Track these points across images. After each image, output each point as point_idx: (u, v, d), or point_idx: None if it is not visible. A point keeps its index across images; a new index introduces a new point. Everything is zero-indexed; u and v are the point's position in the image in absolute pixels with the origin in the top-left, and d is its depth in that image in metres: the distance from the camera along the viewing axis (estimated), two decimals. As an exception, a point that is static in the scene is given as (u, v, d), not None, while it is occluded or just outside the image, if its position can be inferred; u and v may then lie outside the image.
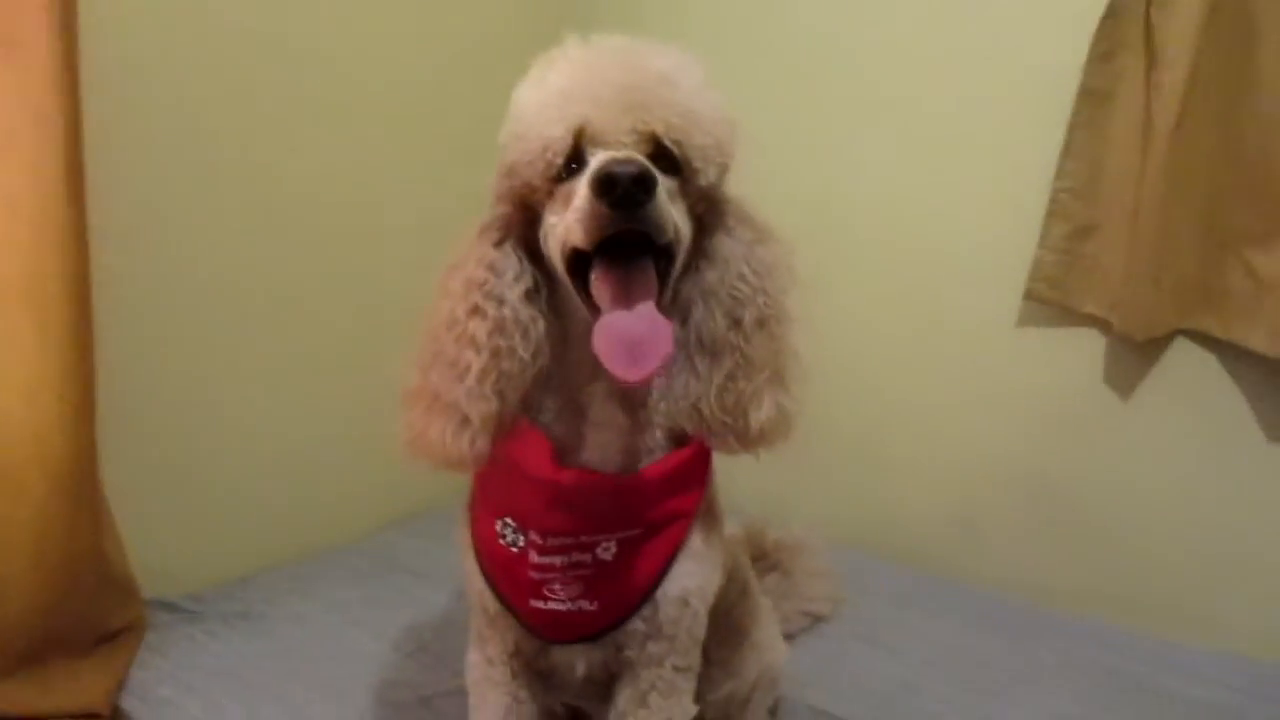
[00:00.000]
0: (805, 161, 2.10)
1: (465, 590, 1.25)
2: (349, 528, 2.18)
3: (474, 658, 1.28)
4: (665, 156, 0.97)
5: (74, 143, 1.42)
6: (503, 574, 1.14)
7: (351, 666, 1.66)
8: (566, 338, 1.09)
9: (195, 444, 1.89)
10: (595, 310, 0.96)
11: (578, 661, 1.18)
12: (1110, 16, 1.70)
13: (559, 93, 0.97)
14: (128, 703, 1.56)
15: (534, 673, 1.26)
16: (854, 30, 2.07)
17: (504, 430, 1.07)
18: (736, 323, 1.06)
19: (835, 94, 2.10)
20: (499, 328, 1.04)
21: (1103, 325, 1.84)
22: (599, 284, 0.96)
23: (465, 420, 1.04)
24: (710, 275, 1.07)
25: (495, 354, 1.04)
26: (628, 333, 0.93)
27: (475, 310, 1.05)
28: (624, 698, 1.19)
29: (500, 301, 1.05)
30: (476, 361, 1.04)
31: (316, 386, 2.10)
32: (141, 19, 1.69)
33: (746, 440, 1.08)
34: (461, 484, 2.37)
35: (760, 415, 1.06)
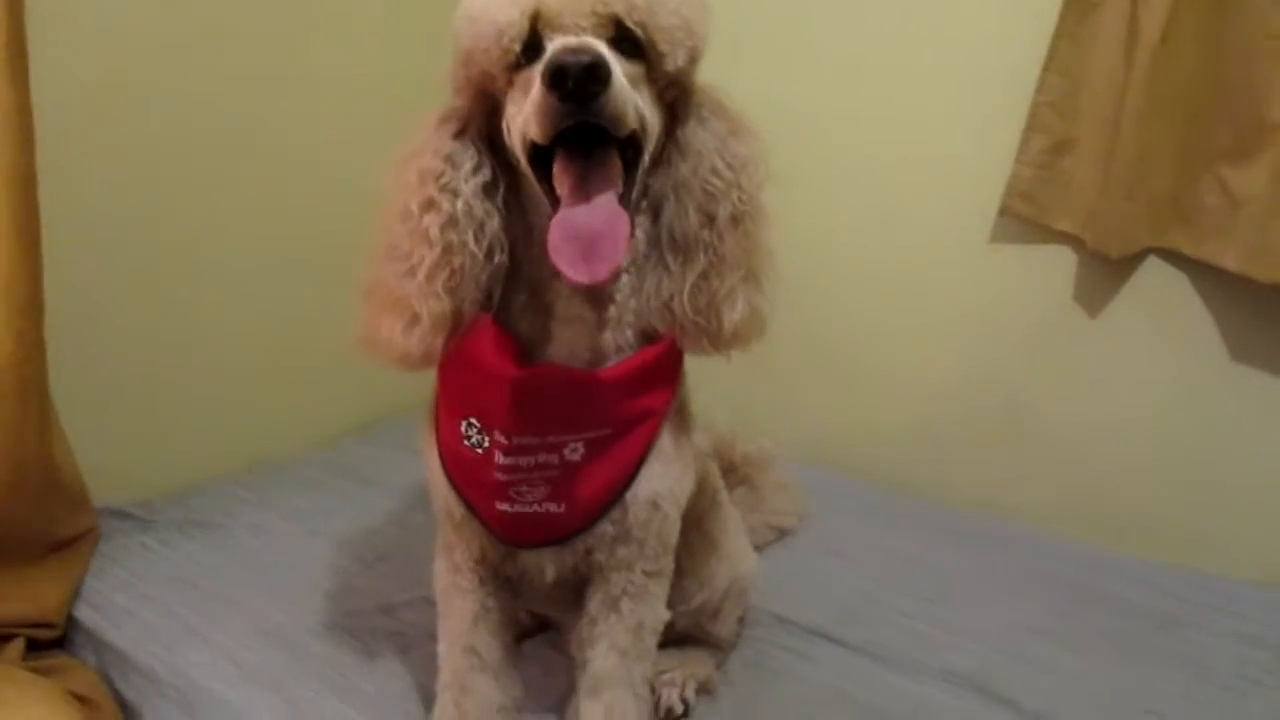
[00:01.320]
0: (775, 66, 2.04)
1: (428, 497, 1.23)
2: (302, 436, 2.15)
3: (440, 565, 1.26)
4: (628, 39, 0.93)
5: (16, 26, 1.34)
6: (467, 477, 1.11)
7: (311, 575, 1.65)
8: (530, 232, 1.05)
9: (145, 349, 1.84)
10: (556, 205, 0.93)
11: (546, 566, 1.16)
12: (1100, -75, 1.66)
13: None
14: (82, 611, 1.53)
15: (502, 579, 1.24)
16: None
17: (460, 328, 1.05)
18: (710, 219, 1.03)
19: (810, 1, 2.04)
20: (452, 222, 1.01)
21: (1075, 243, 1.83)
22: (559, 175, 0.92)
23: (415, 318, 1.02)
24: (683, 168, 1.03)
25: (448, 249, 1.01)
26: (585, 229, 0.90)
27: (429, 203, 1.02)
28: (595, 602, 1.18)
29: (455, 194, 1.02)
30: (429, 257, 1.01)
31: (270, 291, 2.04)
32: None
33: (719, 341, 1.05)
34: (416, 390, 2.34)
35: (734, 315, 1.04)
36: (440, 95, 1.05)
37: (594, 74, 0.84)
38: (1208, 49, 1.62)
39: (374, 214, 1.07)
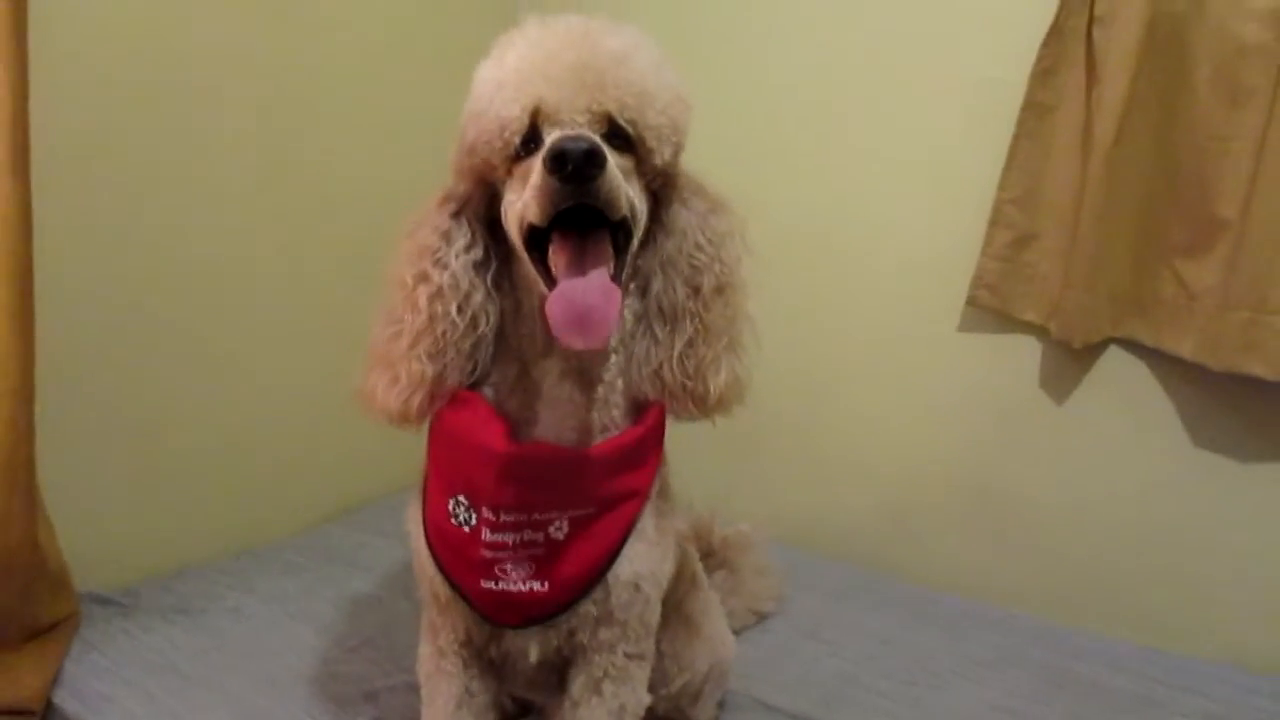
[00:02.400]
0: (750, 164, 2.11)
1: (414, 580, 1.25)
2: (282, 522, 2.15)
3: (425, 650, 1.28)
4: (620, 135, 1.00)
5: (20, 123, 1.39)
6: (454, 555, 1.14)
7: (293, 660, 1.64)
8: (520, 311, 1.12)
9: (128, 434, 1.85)
10: (550, 282, 0.99)
11: (531, 647, 1.18)
12: (1054, 34, 1.76)
13: (515, 72, 0.99)
14: (62, 698, 1.52)
15: (486, 662, 1.26)
16: (805, 40, 2.10)
17: (441, 393, 1.11)
18: (695, 290, 1.10)
19: (784, 101, 2.14)
20: (439, 294, 1.09)
21: (1040, 332, 1.90)
22: (555, 254, 0.99)
23: (396, 377, 1.10)
24: (668, 246, 1.11)
25: (432, 318, 1.08)
26: (581, 301, 0.96)
27: (422, 276, 1.09)
28: (577, 685, 1.20)
29: (444, 268, 1.09)
30: (414, 323, 1.09)
31: (252, 379, 2.06)
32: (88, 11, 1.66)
33: (705, 405, 1.12)
34: (396, 476, 2.36)
35: (719, 380, 1.10)
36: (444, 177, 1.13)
37: (591, 159, 0.91)
38: (1159, 150, 1.72)
39: (372, 293, 1.15)
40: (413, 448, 2.36)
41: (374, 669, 1.62)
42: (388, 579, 1.95)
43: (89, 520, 1.75)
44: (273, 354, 2.09)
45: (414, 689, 1.52)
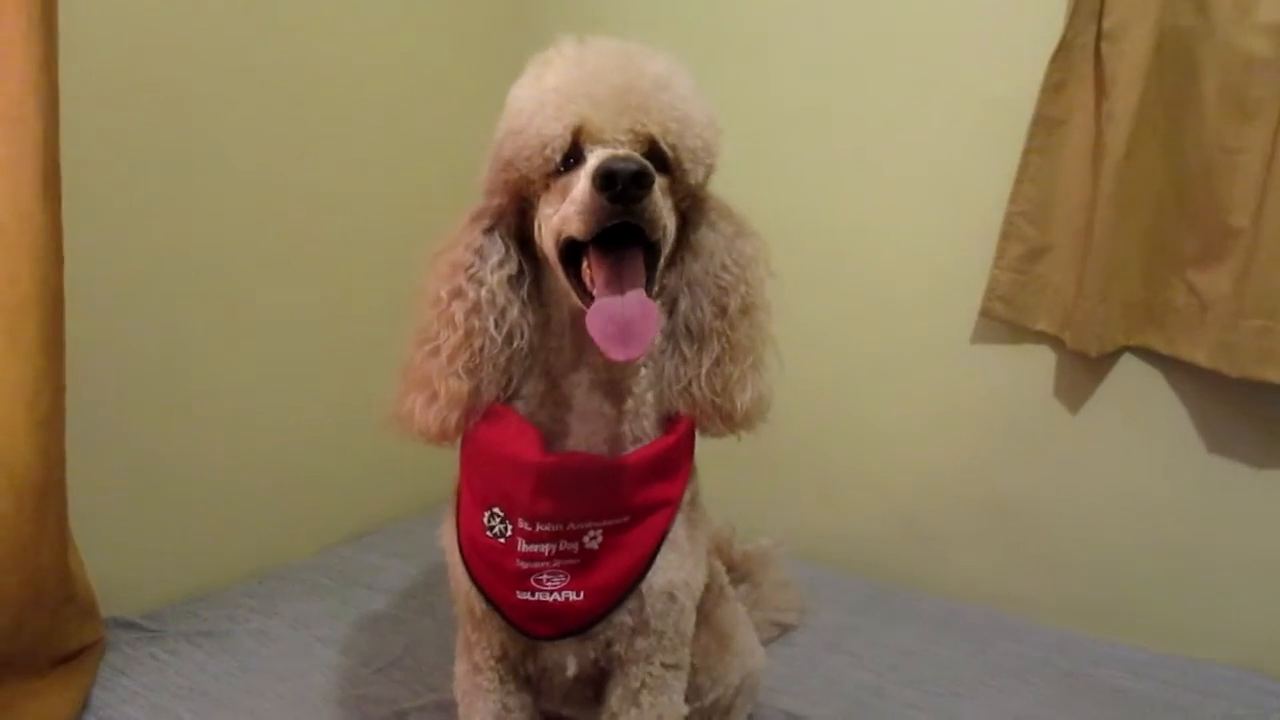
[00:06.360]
0: (762, 180, 2.12)
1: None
2: (298, 546, 2.15)
3: (461, 668, 1.28)
4: (657, 156, 1.02)
5: (51, 148, 1.39)
6: (488, 568, 1.15)
7: (321, 682, 1.65)
8: (549, 326, 1.14)
9: (149, 458, 1.86)
10: (585, 297, 1.01)
11: (568, 660, 1.19)
12: (1063, 49, 1.79)
13: (557, 91, 1.01)
14: (92, 724, 1.52)
15: (522, 679, 1.27)
16: (817, 58, 2.12)
17: (477, 408, 1.12)
18: (722, 310, 1.13)
19: (795, 116, 2.16)
20: (475, 309, 1.10)
21: (1054, 342, 1.92)
22: (594, 270, 1.00)
23: (434, 395, 1.11)
24: (695, 266, 1.13)
25: (469, 334, 1.10)
26: (620, 315, 0.98)
27: (458, 292, 1.11)
28: (615, 697, 1.21)
29: (480, 284, 1.11)
30: (451, 339, 1.10)
31: (276, 403, 2.08)
32: (119, 24, 1.68)
33: (732, 422, 1.15)
34: (416, 496, 2.37)
35: (745, 398, 1.13)
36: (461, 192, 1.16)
37: (640, 180, 0.93)
38: (1169, 162, 1.75)
39: (403, 312, 1.16)
40: (422, 471, 2.39)
41: (402, 689, 1.63)
42: (408, 599, 1.95)
43: (112, 545, 1.75)
44: (294, 378, 2.10)
45: (443, 709, 1.53)
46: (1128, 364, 1.88)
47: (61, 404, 1.48)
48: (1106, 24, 1.73)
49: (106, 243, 1.71)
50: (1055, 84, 1.81)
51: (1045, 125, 1.83)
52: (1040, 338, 1.94)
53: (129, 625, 1.75)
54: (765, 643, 1.76)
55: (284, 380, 2.08)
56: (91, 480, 1.67)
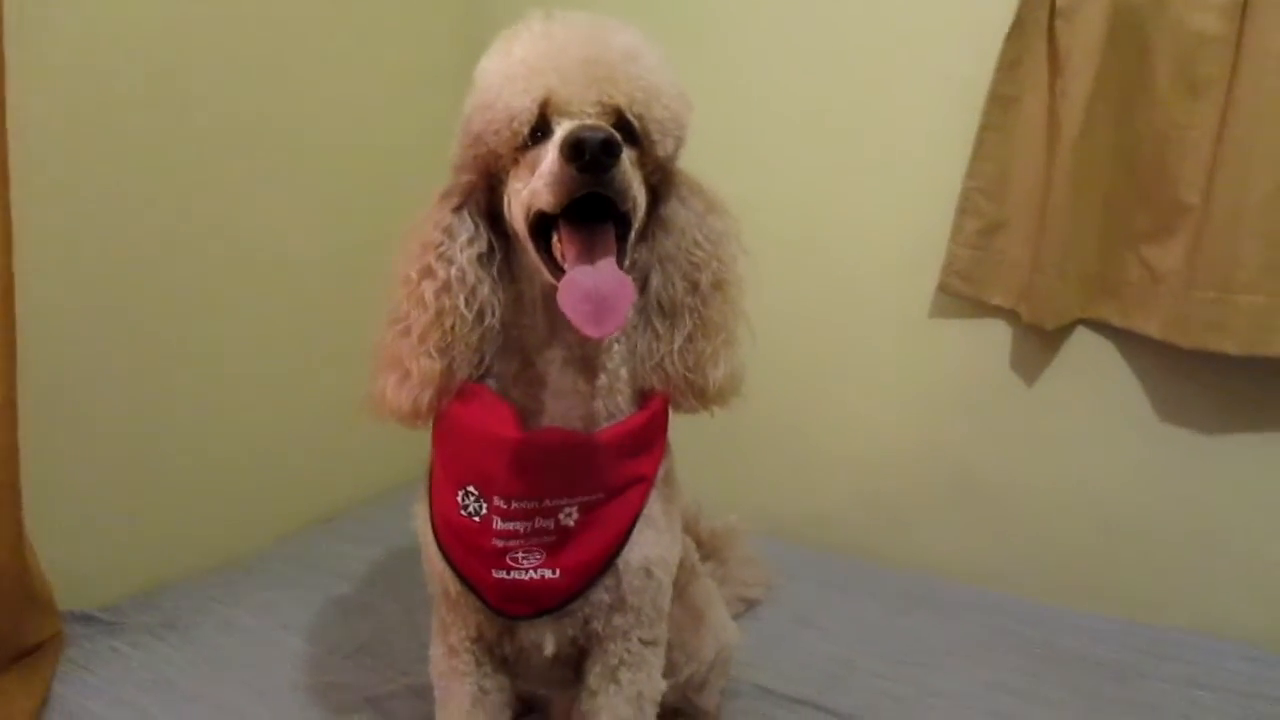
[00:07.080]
0: (720, 158, 2.13)
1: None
2: (260, 533, 2.12)
3: (437, 650, 1.28)
4: (626, 128, 1.02)
5: (-1, 137, 1.36)
6: (464, 548, 1.14)
7: (289, 670, 1.63)
8: (521, 303, 1.13)
9: (107, 449, 1.82)
10: (556, 271, 1.00)
11: (546, 640, 1.19)
12: (1017, 27, 1.81)
13: (524, 64, 1.01)
14: (54, 719, 1.49)
15: (499, 660, 1.26)
16: (775, 38, 2.13)
17: (450, 387, 1.11)
18: (694, 286, 1.13)
19: (754, 97, 2.16)
20: (445, 287, 1.09)
21: (1010, 316, 1.96)
22: (564, 243, 1.00)
23: (407, 374, 1.10)
24: (667, 242, 1.13)
25: (440, 313, 1.09)
26: (594, 288, 0.97)
27: (427, 270, 1.10)
28: (594, 675, 1.22)
29: (450, 262, 1.10)
30: (422, 319, 1.09)
31: (232, 392, 2.04)
32: (67, 16, 1.63)
33: (705, 398, 1.16)
34: (377, 481, 2.34)
35: (718, 374, 1.14)
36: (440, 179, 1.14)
37: (608, 149, 0.92)
38: (1122, 139, 1.78)
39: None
40: (380, 457, 2.36)
41: (371, 675, 1.61)
42: (372, 585, 1.94)
43: (67, 538, 1.71)
44: (250, 366, 2.06)
45: (416, 692, 1.53)
46: (1082, 336, 1.91)
47: (13, 395, 1.45)
48: (1060, 2, 1.76)
49: (64, 232, 1.67)
50: (1010, 62, 1.83)
51: (1000, 103, 1.86)
52: (997, 312, 1.97)
53: (87, 619, 1.71)
54: (733, 618, 1.79)
55: (239, 369, 2.04)
56: (45, 472, 1.63)
